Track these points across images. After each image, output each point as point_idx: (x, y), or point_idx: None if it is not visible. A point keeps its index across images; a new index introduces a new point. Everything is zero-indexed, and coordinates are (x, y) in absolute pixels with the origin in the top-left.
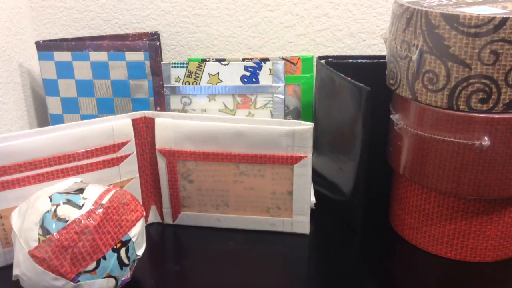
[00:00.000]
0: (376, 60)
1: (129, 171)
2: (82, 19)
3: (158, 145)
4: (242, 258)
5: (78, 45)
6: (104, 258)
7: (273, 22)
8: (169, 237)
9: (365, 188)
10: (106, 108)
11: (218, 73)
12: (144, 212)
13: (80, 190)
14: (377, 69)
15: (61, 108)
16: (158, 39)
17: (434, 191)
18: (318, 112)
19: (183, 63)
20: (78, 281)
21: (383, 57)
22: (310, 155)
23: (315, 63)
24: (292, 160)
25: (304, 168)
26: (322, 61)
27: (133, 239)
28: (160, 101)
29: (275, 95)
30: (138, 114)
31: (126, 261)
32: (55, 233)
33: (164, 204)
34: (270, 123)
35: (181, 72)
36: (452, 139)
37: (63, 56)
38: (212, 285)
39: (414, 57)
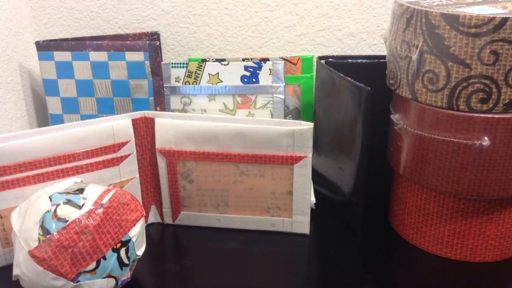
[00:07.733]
0: (376, 60)
1: (129, 171)
2: (82, 19)
3: (158, 145)
4: (242, 258)
5: (78, 45)
6: (104, 258)
7: (273, 22)
8: (169, 237)
9: (365, 188)
10: (106, 108)
11: (218, 73)
12: (144, 212)
13: (80, 190)
14: (377, 69)
15: (61, 108)
16: (158, 39)
17: (434, 191)
18: (318, 112)
19: (183, 63)
20: (78, 281)
21: (383, 57)
22: (310, 155)
23: (315, 63)
24: (292, 160)
25: (304, 168)
26: (322, 61)
27: (133, 239)
28: (160, 101)
29: (275, 95)
30: (138, 114)
31: (126, 261)
32: (55, 233)
33: (164, 204)
34: (270, 123)
35: (181, 72)
36: (452, 139)
37: (63, 56)
38: (212, 285)
39: (414, 57)
